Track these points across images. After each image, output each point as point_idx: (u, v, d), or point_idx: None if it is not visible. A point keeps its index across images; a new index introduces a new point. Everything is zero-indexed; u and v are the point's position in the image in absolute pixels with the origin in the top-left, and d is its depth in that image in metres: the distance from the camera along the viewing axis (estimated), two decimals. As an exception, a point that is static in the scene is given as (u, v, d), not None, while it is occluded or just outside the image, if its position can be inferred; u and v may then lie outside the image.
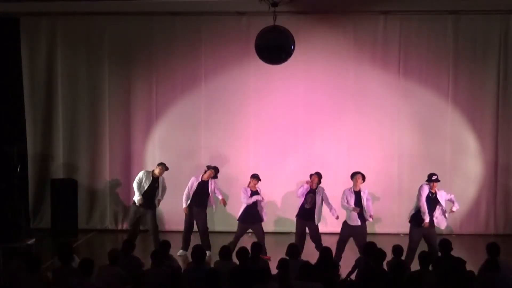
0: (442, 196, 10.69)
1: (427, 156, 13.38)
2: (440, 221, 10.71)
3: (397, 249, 8.53)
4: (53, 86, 13.73)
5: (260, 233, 11.45)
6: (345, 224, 10.93)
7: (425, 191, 10.63)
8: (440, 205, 10.63)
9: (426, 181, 10.69)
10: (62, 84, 13.70)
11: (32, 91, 13.76)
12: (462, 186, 13.41)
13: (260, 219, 11.52)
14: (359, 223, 10.78)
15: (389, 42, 13.38)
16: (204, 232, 11.84)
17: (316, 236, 11.20)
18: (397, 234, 12.64)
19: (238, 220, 11.58)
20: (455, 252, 8.67)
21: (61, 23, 13.62)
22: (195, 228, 11.99)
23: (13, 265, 8.62)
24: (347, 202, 10.82)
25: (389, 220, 13.18)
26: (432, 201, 10.60)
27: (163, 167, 11.90)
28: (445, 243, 8.62)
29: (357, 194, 10.86)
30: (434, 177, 10.62)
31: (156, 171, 11.86)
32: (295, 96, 13.48)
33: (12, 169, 12.77)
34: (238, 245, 9.95)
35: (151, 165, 13.49)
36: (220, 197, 11.93)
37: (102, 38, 13.63)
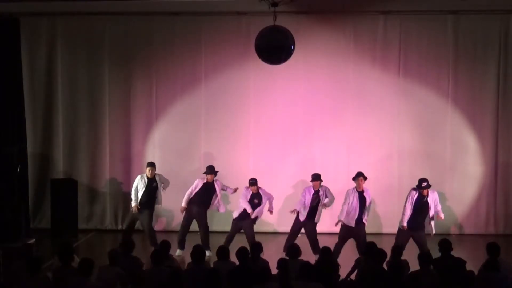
0: (432, 200, 10.70)
1: (427, 156, 13.39)
2: (427, 226, 10.78)
3: (397, 249, 8.53)
4: (53, 86, 13.72)
5: (250, 232, 11.46)
6: (343, 225, 11.00)
7: (413, 196, 10.70)
8: (430, 209, 10.65)
9: (416, 186, 10.73)
10: (62, 84, 13.70)
11: (32, 91, 13.76)
12: (462, 186, 13.42)
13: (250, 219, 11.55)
14: (353, 225, 10.88)
15: (389, 42, 13.37)
16: (206, 233, 11.86)
17: (314, 235, 11.34)
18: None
19: (234, 219, 11.63)
20: (455, 252, 8.67)
21: (61, 23, 13.61)
22: (192, 228, 12.02)
23: (13, 265, 8.62)
24: (350, 203, 10.87)
25: (389, 220, 13.13)
26: (423, 204, 10.64)
27: (152, 167, 12.01)
28: (445, 243, 8.62)
29: (361, 194, 10.92)
30: (424, 184, 10.64)
31: (148, 174, 11.94)
32: (295, 96, 13.48)
33: (12, 169, 12.78)
34: (236, 245, 9.95)
35: (151, 165, 13.52)
36: (232, 190, 12.04)
37: (102, 38, 13.63)
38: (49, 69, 13.71)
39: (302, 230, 11.53)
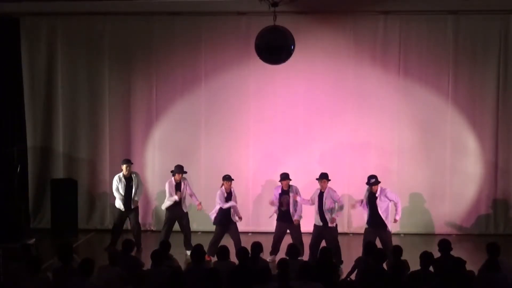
0: (383, 197, 10.67)
1: (427, 156, 13.39)
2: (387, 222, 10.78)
3: (397, 249, 8.53)
4: (53, 86, 13.73)
5: (236, 235, 11.31)
6: (314, 224, 11.00)
7: (365, 193, 10.84)
8: (378, 206, 10.63)
9: (366, 183, 10.81)
10: (62, 84, 13.70)
11: (32, 91, 13.76)
12: (462, 186, 13.41)
13: (233, 221, 11.36)
14: (321, 224, 10.85)
15: (389, 42, 13.37)
16: (187, 233, 11.81)
17: (298, 235, 11.26)
18: (397, 234, 12.66)
19: (214, 223, 11.43)
20: (455, 252, 8.67)
21: (61, 23, 13.61)
22: (192, 228, 12.01)
23: (13, 265, 8.62)
24: (311, 202, 11.02)
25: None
26: (374, 201, 10.69)
27: (127, 164, 12.07)
28: (445, 243, 8.62)
29: (321, 196, 10.94)
30: (372, 181, 10.73)
31: (124, 172, 12.01)
32: (295, 96, 13.48)
33: (12, 169, 12.78)
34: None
35: (151, 165, 13.54)
36: (197, 203, 11.82)
37: (102, 38, 13.62)
38: (49, 69, 13.71)
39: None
